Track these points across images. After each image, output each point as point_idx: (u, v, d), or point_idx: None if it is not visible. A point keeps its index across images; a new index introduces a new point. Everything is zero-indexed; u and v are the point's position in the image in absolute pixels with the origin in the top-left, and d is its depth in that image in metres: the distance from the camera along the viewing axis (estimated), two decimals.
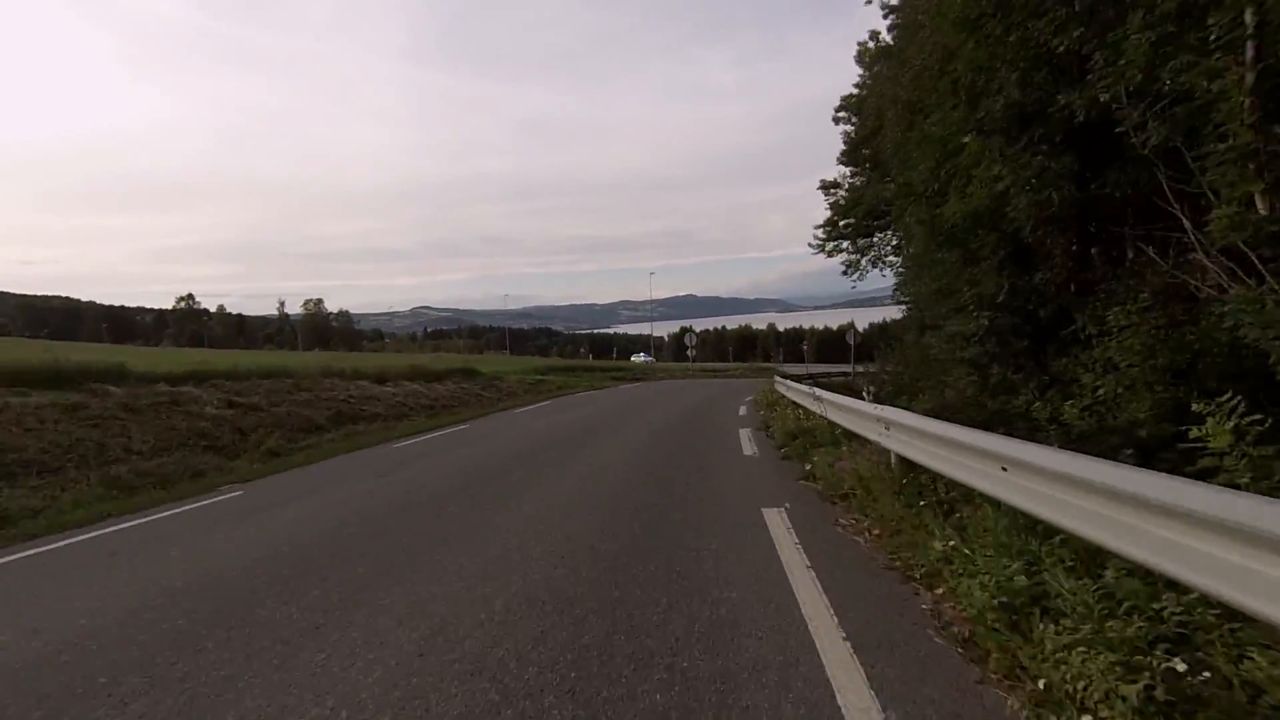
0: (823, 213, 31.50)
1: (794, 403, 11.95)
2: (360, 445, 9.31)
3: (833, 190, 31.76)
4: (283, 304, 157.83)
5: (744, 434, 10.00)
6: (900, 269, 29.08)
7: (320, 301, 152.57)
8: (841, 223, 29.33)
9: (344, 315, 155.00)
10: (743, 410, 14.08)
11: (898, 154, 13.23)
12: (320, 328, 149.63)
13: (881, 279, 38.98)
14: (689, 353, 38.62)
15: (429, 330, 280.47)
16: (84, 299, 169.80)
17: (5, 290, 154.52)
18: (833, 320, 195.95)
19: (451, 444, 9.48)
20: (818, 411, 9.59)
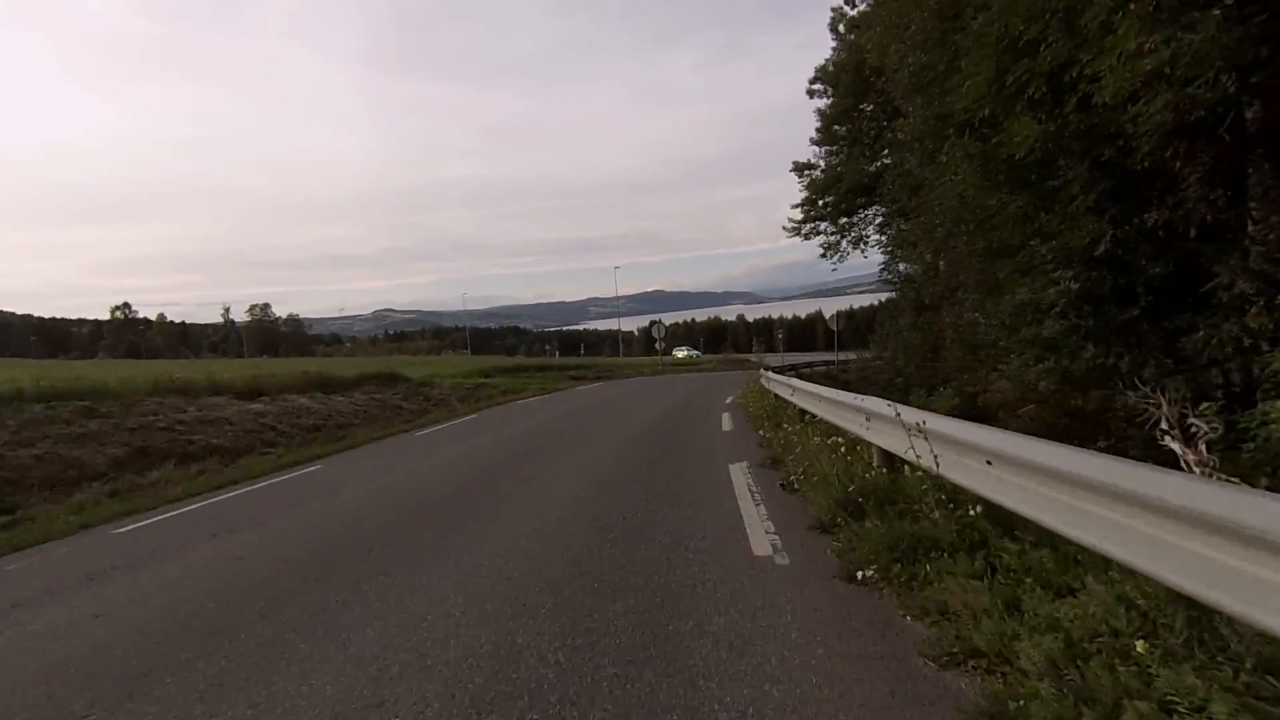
0: (789, 208, 28.97)
1: (805, 414, 8.79)
2: (89, 521, 5.57)
3: (807, 171, 28.99)
4: (227, 310, 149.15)
5: (741, 480, 6.26)
6: (887, 246, 26.46)
7: (267, 306, 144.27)
8: (821, 201, 26.59)
9: (294, 320, 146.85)
10: (726, 421, 10.97)
11: (922, 80, 10.26)
12: (267, 333, 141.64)
13: (856, 264, 36.38)
14: (657, 345, 35.48)
15: (390, 332, 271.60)
16: (19, 312, 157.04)
17: None
18: (800, 310, 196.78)
19: (221, 522, 5.62)
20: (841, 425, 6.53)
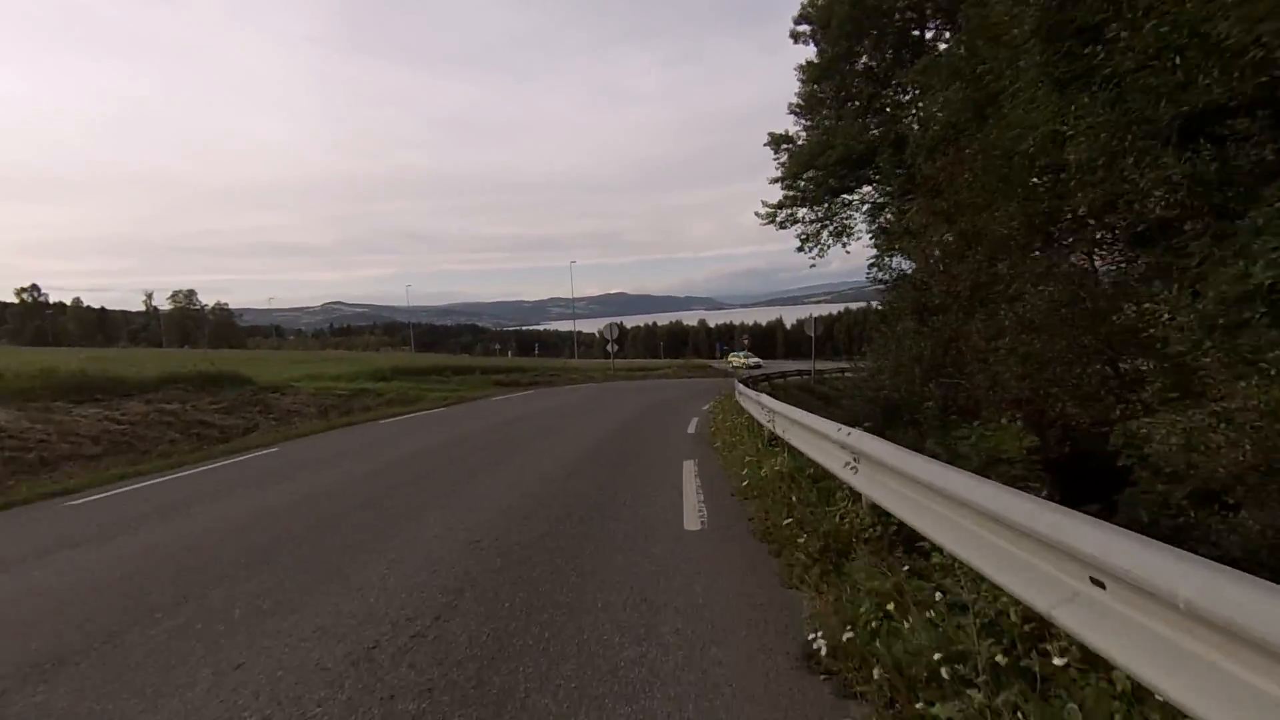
0: (756, 206, 25.24)
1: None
2: None
3: (785, 145, 25.13)
4: (150, 296, 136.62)
5: None
6: (878, 237, 22.78)
7: (192, 294, 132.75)
8: (802, 179, 22.75)
9: (222, 310, 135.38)
10: (690, 480, 6.60)
11: None
12: (192, 323, 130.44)
13: (817, 274, 32.58)
14: (609, 348, 31.02)
15: (334, 327, 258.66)
16: None
17: None
18: (761, 317, 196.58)
19: None
20: None
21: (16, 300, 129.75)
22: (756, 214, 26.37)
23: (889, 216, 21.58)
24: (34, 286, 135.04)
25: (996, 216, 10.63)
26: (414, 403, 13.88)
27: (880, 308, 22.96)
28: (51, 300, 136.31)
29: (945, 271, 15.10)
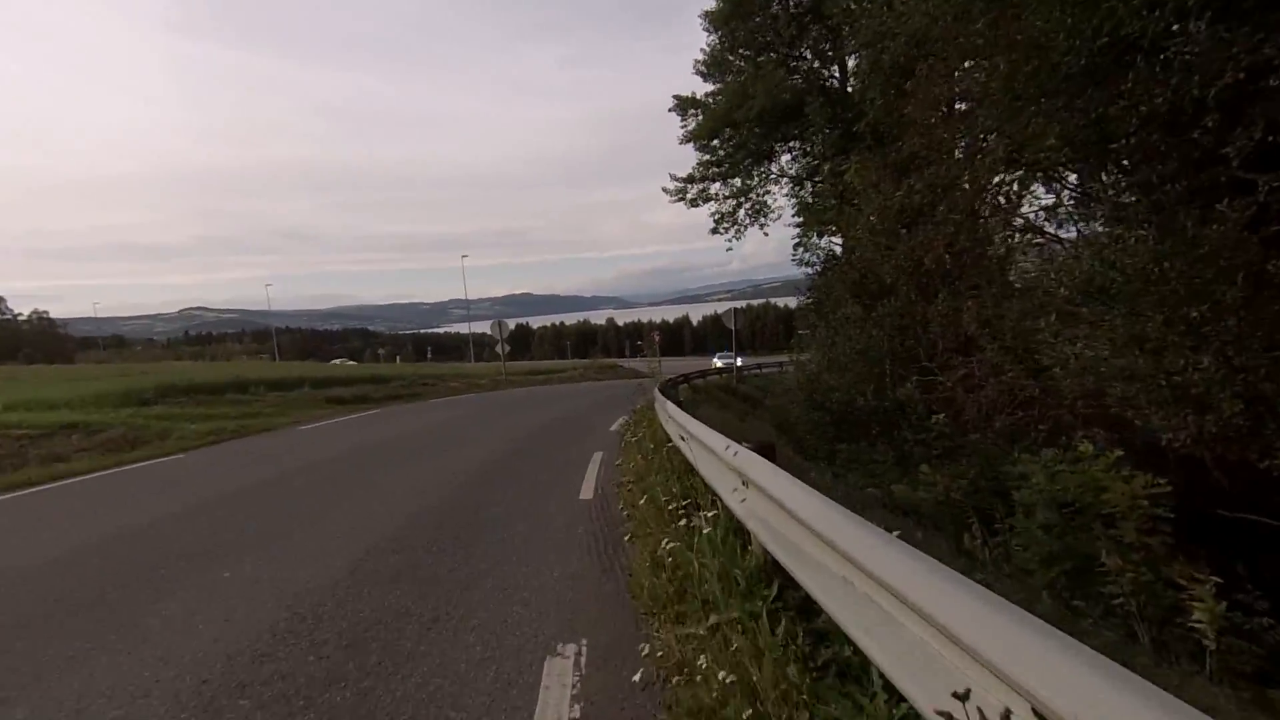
0: (659, 205, 22.10)
1: None
2: None
3: (693, 110, 21.92)
4: None
5: None
6: (810, 199, 19.83)
7: (0, 300, 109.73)
8: (716, 144, 19.58)
9: (41, 318, 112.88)
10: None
11: None
12: (6, 333, 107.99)
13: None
14: (497, 349, 26.31)
15: (190, 334, 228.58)
16: None
17: None
18: (669, 315, 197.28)
19: None
20: None
21: None
22: (665, 189, 22.91)
23: (814, 188, 19.00)
24: None
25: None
26: (138, 445, 8.79)
27: (808, 296, 20.36)
28: None
29: (896, 243, 12.34)
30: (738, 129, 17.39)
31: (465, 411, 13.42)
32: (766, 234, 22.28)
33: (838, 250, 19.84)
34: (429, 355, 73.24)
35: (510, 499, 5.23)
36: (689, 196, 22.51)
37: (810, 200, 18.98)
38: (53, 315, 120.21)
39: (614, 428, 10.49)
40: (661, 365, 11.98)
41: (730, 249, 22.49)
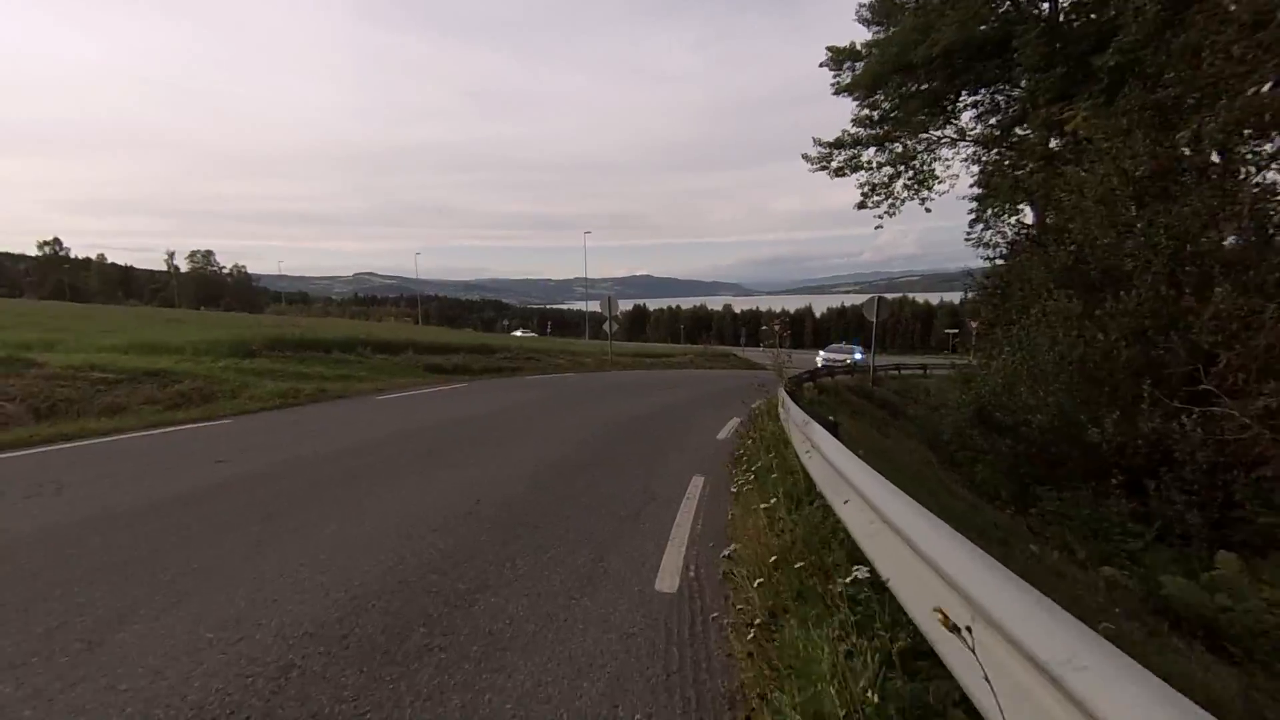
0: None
1: None
2: None
3: (849, 63, 18.50)
4: (171, 255, 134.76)
5: None
6: (1000, 162, 15.44)
7: (210, 254, 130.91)
8: (882, 95, 16.14)
9: (239, 273, 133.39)
10: None
11: None
12: (210, 284, 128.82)
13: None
14: (606, 326, 24.96)
15: (360, 296, 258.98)
16: None
17: None
18: (789, 304, 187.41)
19: None
20: None
21: (39, 253, 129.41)
22: (805, 156, 19.81)
23: (1007, 149, 14.84)
24: (56, 240, 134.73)
25: None
26: (209, 400, 8.15)
27: (985, 287, 16.34)
28: (75, 255, 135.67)
29: (1143, 216, 8.70)
30: (913, 73, 13.94)
31: (552, 393, 11.90)
32: (929, 209, 18.47)
33: (1028, 225, 15.66)
34: (548, 330, 75.27)
35: (524, 582, 3.13)
36: (833, 165, 19.25)
37: (1004, 164, 14.98)
38: (250, 271, 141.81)
39: (722, 434, 8.27)
40: (791, 359, 9.47)
41: (880, 226, 19.00)
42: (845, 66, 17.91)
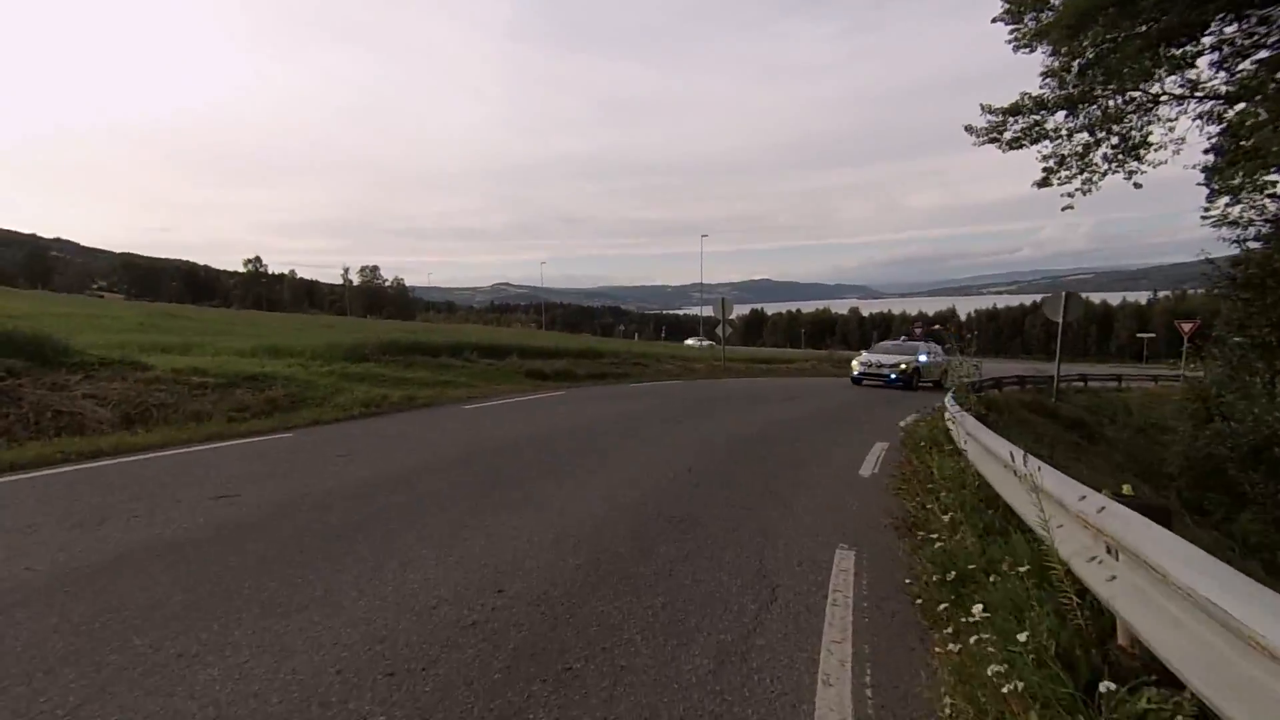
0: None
1: None
2: None
3: (1034, 12, 15.01)
4: (346, 270, 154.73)
5: None
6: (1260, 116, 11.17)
7: (376, 269, 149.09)
8: (1087, 41, 12.57)
9: (399, 285, 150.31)
10: None
11: None
12: (375, 295, 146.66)
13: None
14: (717, 330, 23.04)
15: (496, 304, 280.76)
16: (192, 260, 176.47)
17: (130, 251, 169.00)
18: (927, 306, 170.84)
19: None
20: None
21: (244, 270, 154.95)
22: (969, 129, 16.48)
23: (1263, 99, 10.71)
24: (257, 258, 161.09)
25: None
26: (297, 407, 7.69)
27: (1233, 272, 12.24)
28: (272, 271, 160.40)
29: None
30: (1134, 5, 10.57)
31: (652, 405, 10.35)
32: (1138, 185, 14.38)
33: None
34: (663, 335, 74.70)
35: None
36: (1006, 136, 15.79)
37: (1246, 120, 10.99)
38: (408, 283, 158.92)
39: (867, 469, 6.24)
40: (981, 369, 7.09)
41: (1070, 207, 15.14)
42: (1028, 17, 14.55)
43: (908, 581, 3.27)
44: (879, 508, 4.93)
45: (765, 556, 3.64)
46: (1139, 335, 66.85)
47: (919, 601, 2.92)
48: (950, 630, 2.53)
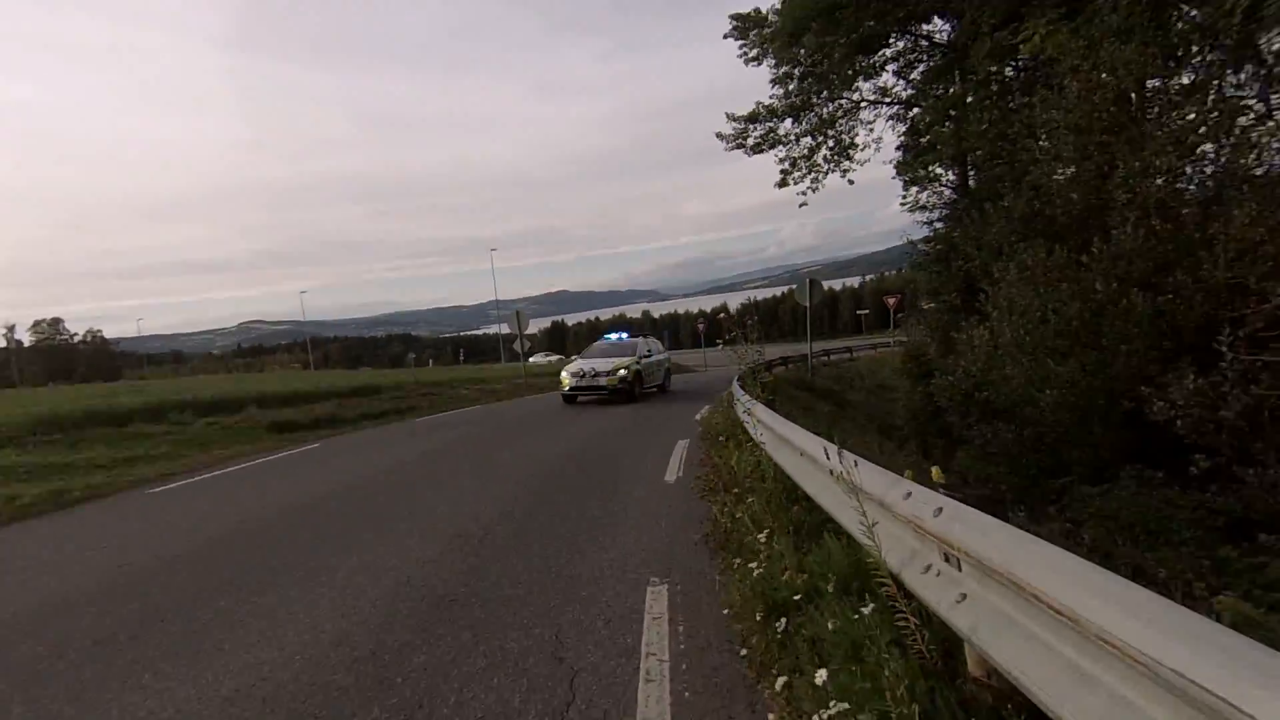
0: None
1: None
2: None
3: (756, 32, 16.88)
4: (11, 329, 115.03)
5: None
6: (927, 116, 13.54)
7: (57, 322, 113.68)
8: (803, 51, 14.12)
9: (96, 338, 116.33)
10: None
11: None
12: (63, 354, 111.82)
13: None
14: (516, 345, 21.92)
15: (244, 347, 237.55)
16: None
17: None
18: (705, 305, 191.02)
19: None
20: None
21: None
22: (719, 135, 17.95)
23: (934, 102, 13.41)
24: None
25: None
26: None
27: (926, 248, 15.00)
28: None
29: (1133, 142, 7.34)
30: (840, 14, 12.17)
31: (431, 446, 8.85)
32: (851, 181, 17.11)
33: (949, 187, 14.40)
34: (461, 358, 70.28)
35: None
36: (749, 142, 17.56)
37: (923, 119, 13.62)
38: (109, 335, 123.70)
39: (671, 474, 5.88)
40: (764, 354, 7.26)
41: (805, 204, 17.42)
42: (752, 36, 16.27)
43: (726, 613, 2.74)
44: (688, 518, 4.48)
45: (564, 627, 2.81)
46: (858, 312, 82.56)
47: (744, 652, 2.36)
48: (783, 682, 1.99)
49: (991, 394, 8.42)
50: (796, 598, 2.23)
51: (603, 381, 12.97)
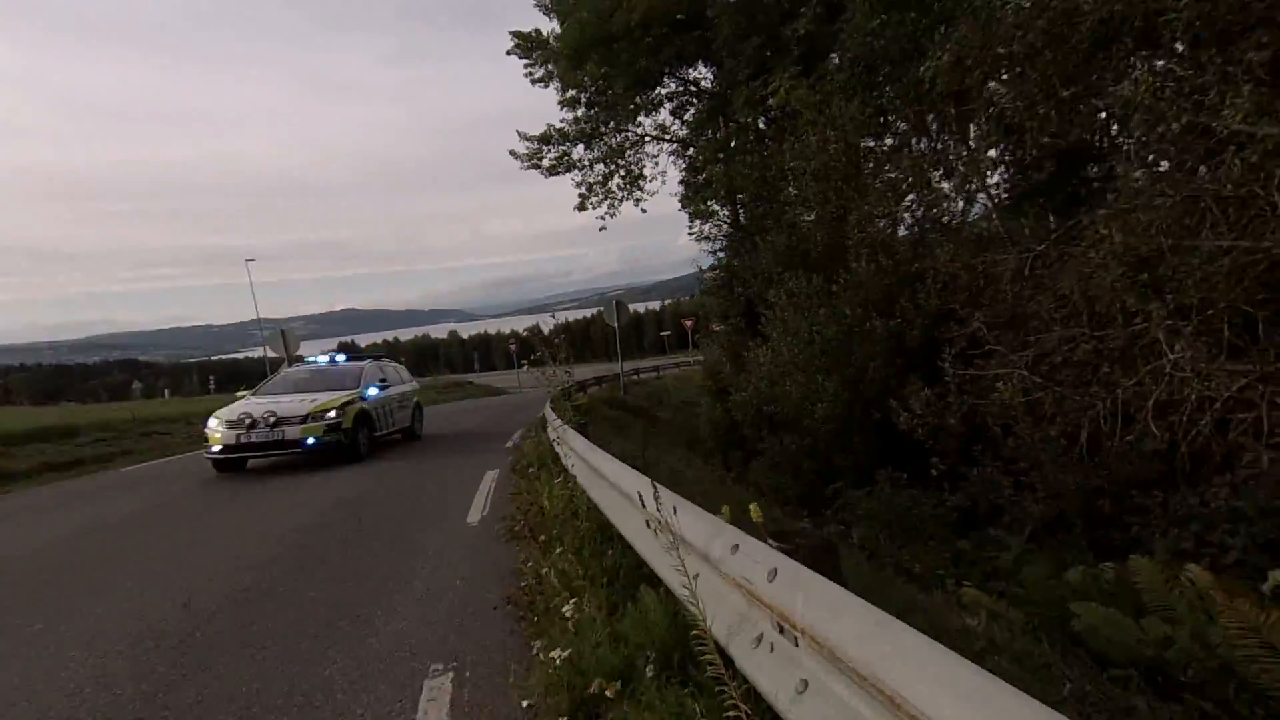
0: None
1: None
2: None
3: (539, 52, 16.85)
4: None
5: None
6: (700, 157, 14.84)
7: None
8: (587, 79, 14.36)
9: None
10: None
11: None
12: None
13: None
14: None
15: None
16: None
17: None
18: (518, 325, 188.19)
19: None
20: None
21: None
22: (513, 154, 17.51)
23: (709, 140, 14.72)
24: None
25: None
26: None
27: (714, 278, 16.23)
28: None
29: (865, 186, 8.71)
30: (615, 45, 12.61)
31: (127, 513, 6.78)
32: (644, 210, 18.00)
33: (723, 222, 15.99)
34: (211, 388, 57.94)
35: None
36: (545, 164, 17.40)
37: (699, 157, 14.88)
38: None
39: (473, 517, 5.17)
40: (573, 375, 6.63)
41: (604, 228, 17.78)
42: (535, 55, 16.17)
43: (525, 706, 2.22)
44: (488, 573, 3.85)
45: None
46: (662, 334, 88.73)
47: None
48: None
49: (776, 408, 9.28)
50: (608, 693, 1.81)
51: (292, 432, 8.11)
